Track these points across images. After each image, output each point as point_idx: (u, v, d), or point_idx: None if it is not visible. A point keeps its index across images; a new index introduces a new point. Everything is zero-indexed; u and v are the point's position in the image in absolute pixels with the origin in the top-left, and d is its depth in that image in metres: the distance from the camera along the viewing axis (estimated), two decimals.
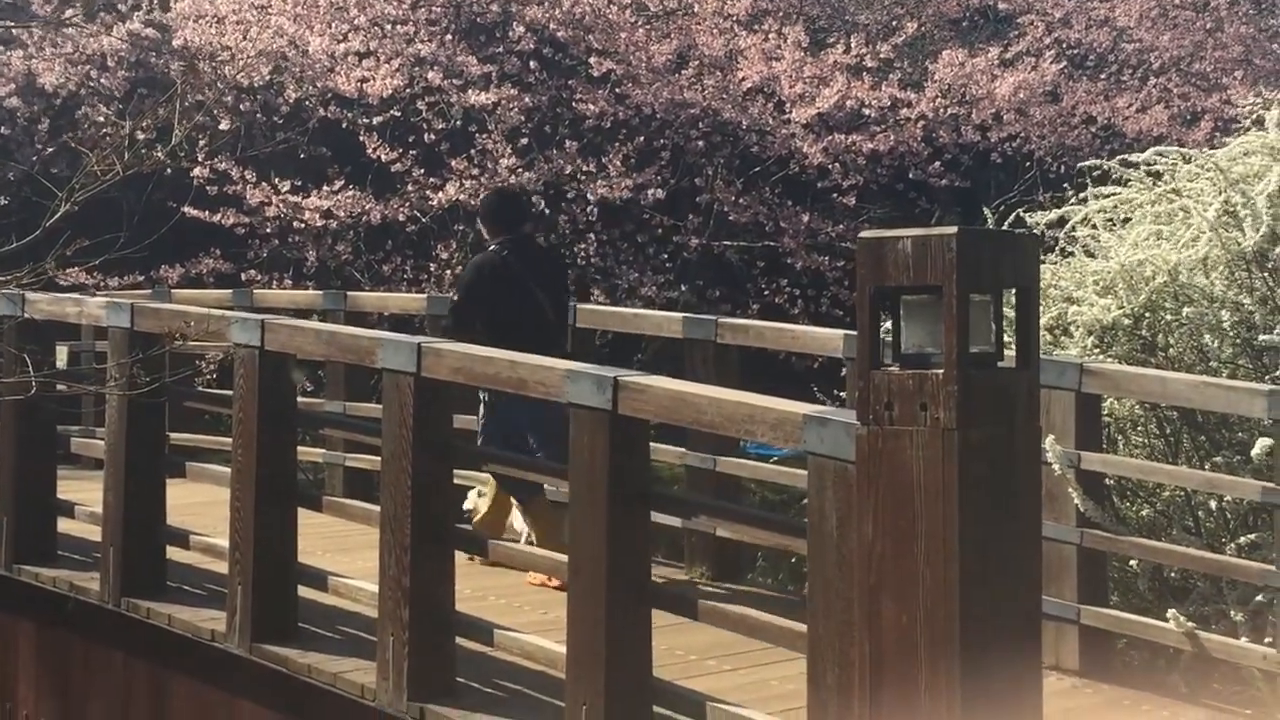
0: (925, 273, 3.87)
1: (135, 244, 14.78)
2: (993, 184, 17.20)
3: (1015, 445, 3.95)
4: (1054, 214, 7.39)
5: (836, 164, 15.62)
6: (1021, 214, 7.59)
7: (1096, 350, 6.56)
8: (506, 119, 14.35)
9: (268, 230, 14.58)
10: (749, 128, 15.40)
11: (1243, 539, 6.16)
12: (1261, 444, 5.68)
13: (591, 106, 14.79)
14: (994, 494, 3.89)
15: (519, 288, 7.34)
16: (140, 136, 13.77)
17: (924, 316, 3.92)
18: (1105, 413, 6.67)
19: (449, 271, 14.68)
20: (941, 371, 3.84)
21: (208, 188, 13.97)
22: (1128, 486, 6.78)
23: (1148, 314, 6.52)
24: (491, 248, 7.57)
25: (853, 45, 15.90)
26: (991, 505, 3.88)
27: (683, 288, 15.72)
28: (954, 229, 3.83)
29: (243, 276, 14.76)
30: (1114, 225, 7.03)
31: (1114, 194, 7.10)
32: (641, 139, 15.19)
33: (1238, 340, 6.44)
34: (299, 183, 14.01)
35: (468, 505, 7.77)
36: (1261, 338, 6.33)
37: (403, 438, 5.31)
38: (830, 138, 15.46)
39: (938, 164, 16.29)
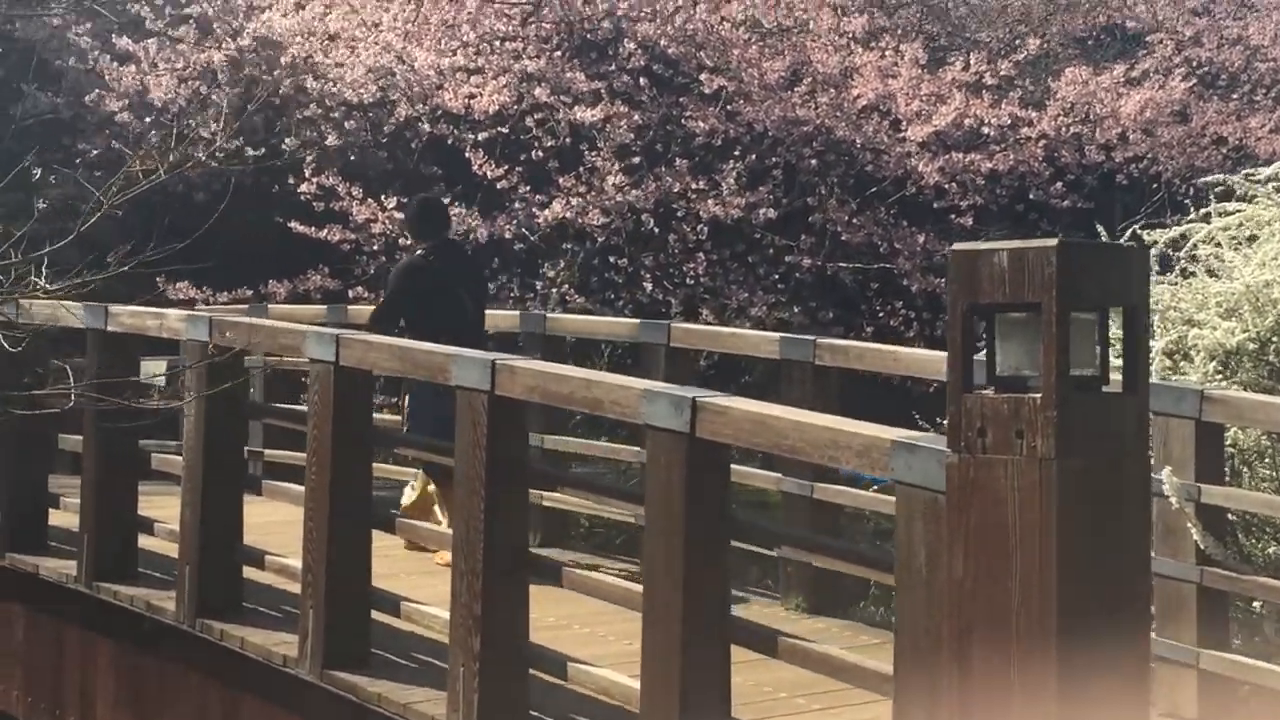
0: (1023, 288, 3.55)
1: (243, 259, 14.98)
2: (1119, 206, 16.68)
3: (1121, 477, 3.61)
4: (1174, 231, 7.00)
5: (954, 184, 15.21)
6: (1139, 231, 7.19)
7: (1219, 376, 6.16)
8: (615, 136, 14.14)
9: (374, 247, 14.49)
10: (863, 146, 15.05)
11: None
12: None
13: (702, 124, 14.54)
14: (1096, 529, 3.55)
15: (443, 290, 7.87)
16: (250, 152, 13.81)
17: (1021, 336, 3.59)
18: (1229, 443, 6.26)
19: (555, 290, 14.50)
20: (1039, 395, 3.52)
21: (314, 204, 13.90)
22: (1253, 522, 6.36)
23: (1275, 338, 6.10)
24: (418, 253, 8.20)
25: (972, 62, 15.49)
26: (1094, 542, 3.54)
27: (795, 309, 15.38)
28: (1054, 241, 3.51)
29: (350, 294, 14.69)
30: (1239, 245, 6.62)
31: (1238, 210, 6.69)
32: (754, 157, 14.91)
33: None
34: (405, 199, 13.87)
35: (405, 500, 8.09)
36: None
37: (476, 458, 5.07)
38: (947, 156, 15.06)
39: (1059, 185, 15.83)
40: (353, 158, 14.74)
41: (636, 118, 14.41)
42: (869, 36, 15.84)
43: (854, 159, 15.33)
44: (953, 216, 15.42)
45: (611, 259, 14.69)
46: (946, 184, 15.17)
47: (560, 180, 14.03)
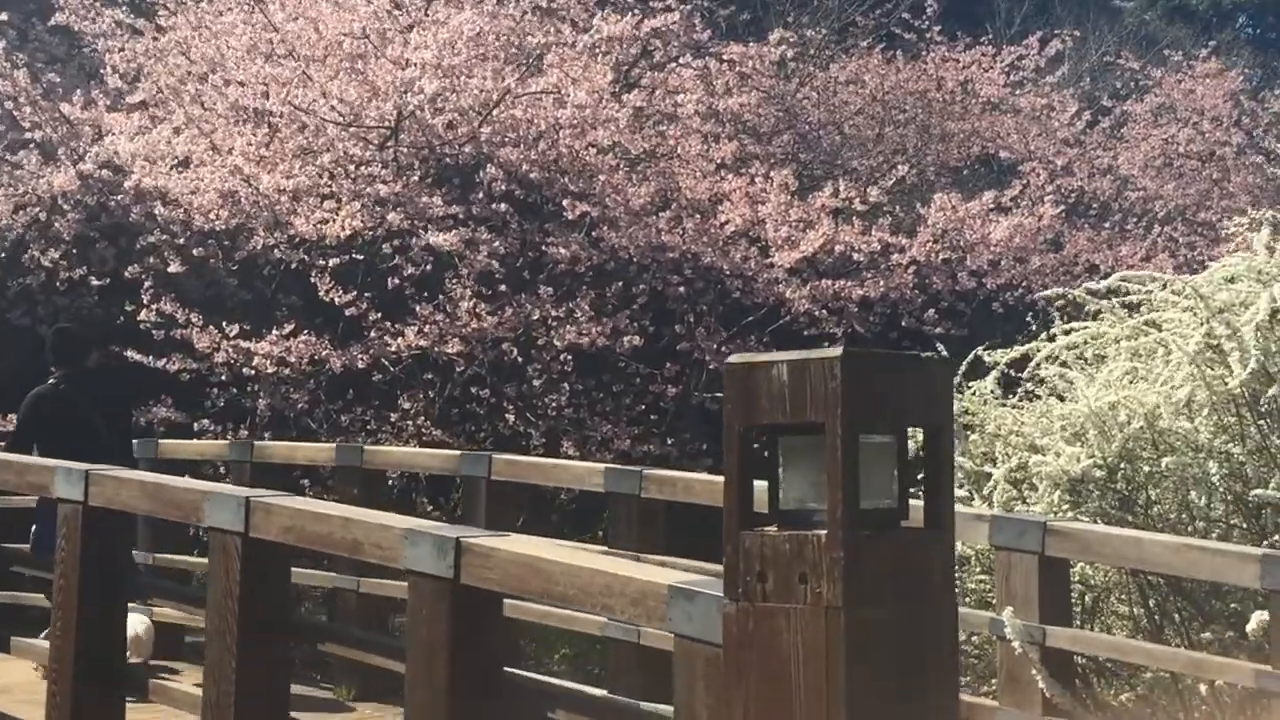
0: (805, 407, 3.04)
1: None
2: (999, 334, 16.43)
3: (924, 627, 3.08)
4: (1015, 351, 6.57)
5: (824, 311, 14.86)
6: (979, 352, 6.77)
7: (1067, 506, 5.69)
8: (476, 263, 13.65)
9: (223, 378, 13.82)
10: (732, 273, 14.68)
11: None
12: (1257, 619, 4.79)
13: (564, 250, 14.09)
14: (895, 689, 3.01)
15: (73, 417, 8.45)
16: (94, 282, 13.09)
17: (807, 463, 3.08)
18: (1077, 579, 5.80)
19: (411, 423, 13.89)
20: (825, 533, 2.99)
21: (154, 332, 13.24)
22: (1106, 666, 5.87)
23: (1124, 464, 5.65)
24: (50, 381, 8.76)
25: (841, 188, 15.24)
26: (892, 701, 3.01)
27: (669, 440, 14.86)
28: (838, 350, 3.01)
29: (195, 426, 13.99)
30: (1086, 364, 6.20)
31: (1084, 328, 6.28)
32: (619, 284, 14.49)
33: (1228, 496, 5.56)
34: (247, 326, 13.27)
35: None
36: (1255, 493, 5.45)
37: (228, 610, 4.44)
38: (817, 284, 14.72)
39: (932, 312, 15.54)
40: (203, 286, 14.12)
41: (498, 244, 13.94)
42: (738, 163, 15.58)
43: (723, 286, 14.95)
44: (826, 345, 15.02)
45: (474, 390, 14.13)
46: (817, 311, 14.81)
47: (417, 308, 13.49)
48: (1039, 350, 6.37)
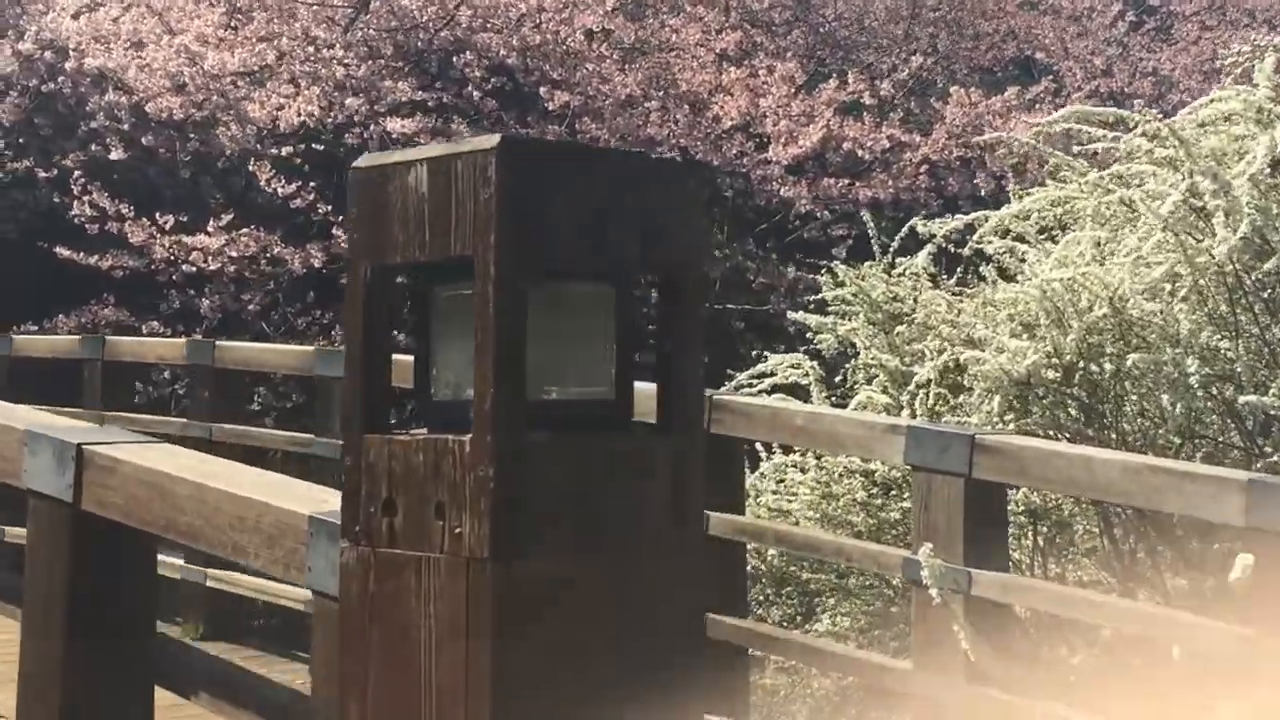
0: (450, 233, 1.89)
1: (25, 291, 13.28)
2: None
3: (637, 589, 1.94)
4: (956, 222, 5.37)
5: (827, 212, 13.64)
6: (916, 224, 5.57)
7: (1011, 417, 4.52)
8: None
9: (173, 278, 12.78)
10: (725, 170, 13.46)
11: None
12: (1241, 564, 3.61)
13: None
14: (580, 689, 1.88)
15: None
16: (40, 174, 12.04)
17: (466, 327, 1.93)
18: (1025, 505, 4.65)
19: None
20: (469, 439, 1.86)
21: (88, 226, 12.18)
22: (1049, 623, 4.71)
23: (1083, 363, 4.46)
24: None
25: (850, 81, 13.97)
26: (571, 708, 1.88)
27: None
28: (495, 137, 1.85)
29: (144, 329, 12.97)
30: (1053, 240, 4.97)
31: (1043, 192, 5.04)
32: None
33: (1218, 404, 4.37)
34: (184, 219, 12.20)
35: None
36: (1244, 399, 4.24)
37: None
38: (820, 182, 13.49)
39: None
40: (143, 178, 13.05)
41: (471, 135, 12.77)
42: (742, 54, 14.32)
43: (716, 187, 13.73)
44: (834, 252, 13.82)
45: None
46: (819, 212, 13.59)
47: None
48: (986, 220, 5.16)
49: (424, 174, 1.89)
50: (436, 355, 1.98)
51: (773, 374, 5.53)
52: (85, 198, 12.06)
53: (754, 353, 13.73)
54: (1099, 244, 4.63)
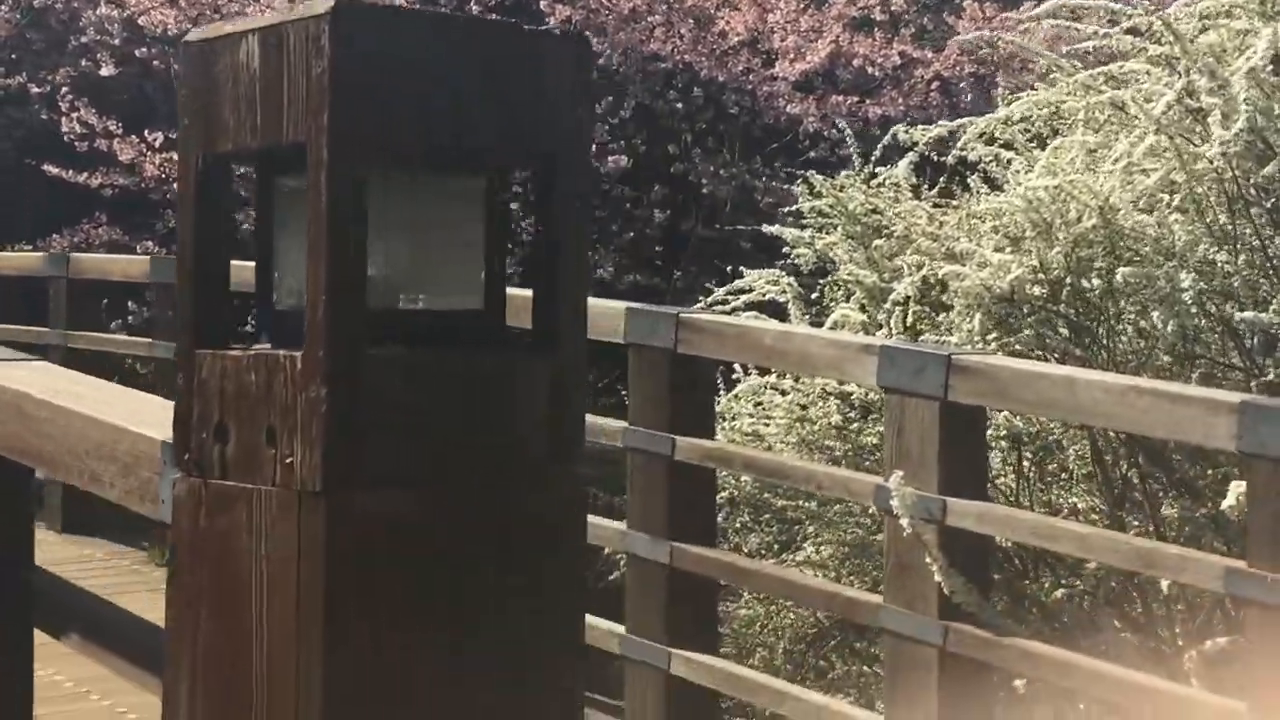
0: (281, 115, 1.63)
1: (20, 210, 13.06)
2: None
3: (497, 527, 1.69)
4: (939, 129, 5.06)
5: (835, 130, 13.28)
6: (898, 132, 5.25)
7: (994, 335, 4.24)
8: None
9: (166, 195, 12.54)
10: (731, 86, 13.11)
11: (1209, 643, 3.76)
12: (1235, 493, 3.34)
13: None
14: (423, 647, 1.64)
15: None
16: (34, 89, 11.78)
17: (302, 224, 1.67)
18: (1008, 430, 4.39)
19: None
20: (301, 354, 1.60)
21: (77, 144, 11.94)
22: (1034, 554, 4.44)
23: (1071, 277, 4.17)
24: None
25: None
26: (417, 663, 1.63)
27: (675, 274, 13.42)
28: (331, 0, 1.58)
29: (138, 249, 12.75)
30: (1042, 148, 4.66)
31: (1031, 96, 4.72)
32: (610, 99, 12.98)
33: (1212, 319, 4.07)
34: (173, 136, 11.90)
35: None
36: (1241, 316, 3.94)
37: None
38: (828, 98, 13.14)
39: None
40: (135, 92, 12.78)
41: None
42: None
43: (720, 104, 13.39)
44: (845, 173, 13.47)
45: None
46: (827, 131, 13.23)
47: None
48: (971, 127, 4.85)
49: (255, 47, 1.63)
50: (278, 257, 1.73)
51: (750, 290, 5.25)
52: (74, 114, 11.80)
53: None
54: (1090, 150, 4.33)
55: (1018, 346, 4.24)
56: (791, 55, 13.08)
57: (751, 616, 5.13)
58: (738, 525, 5.11)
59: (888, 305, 4.49)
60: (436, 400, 1.63)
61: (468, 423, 1.65)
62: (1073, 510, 4.58)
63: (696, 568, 4.64)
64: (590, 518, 4.79)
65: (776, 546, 5.01)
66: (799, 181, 5.44)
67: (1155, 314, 3.89)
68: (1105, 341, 4.17)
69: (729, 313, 5.15)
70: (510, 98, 1.67)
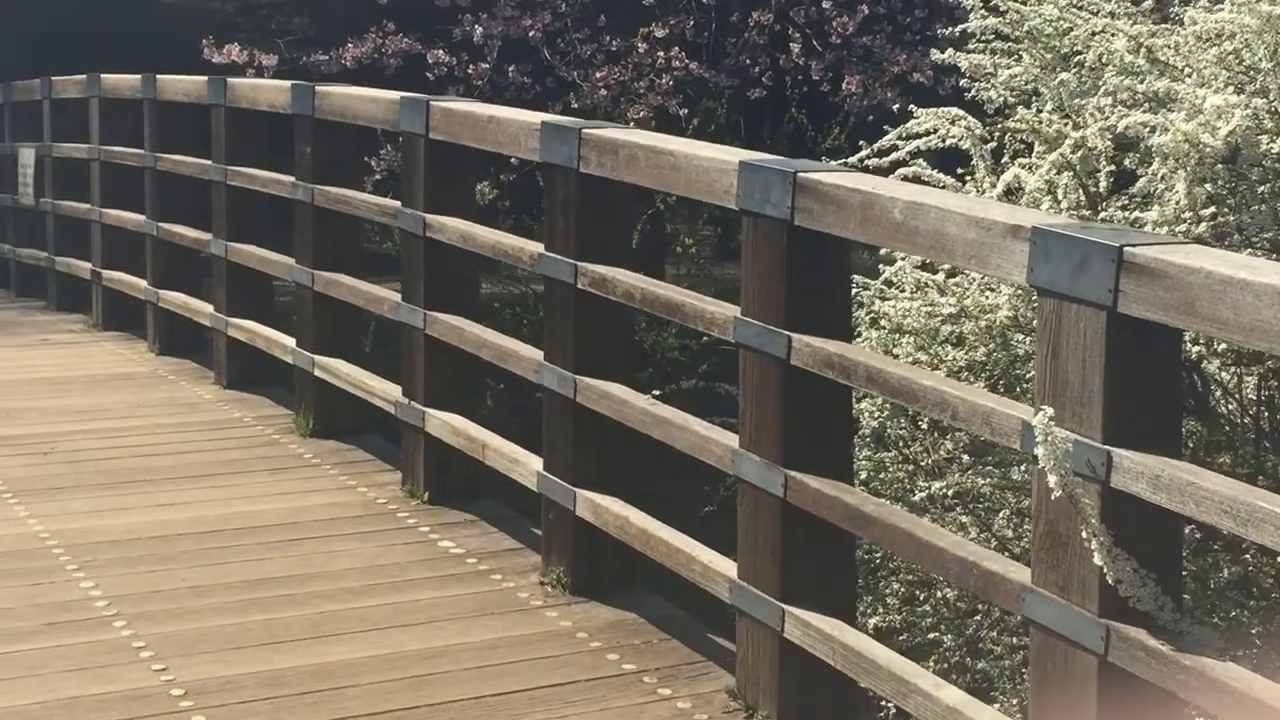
0: None
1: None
2: None
3: None
4: None
5: None
6: None
7: (1209, 215, 2.97)
8: None
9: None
10: None
11: None
12: None
13: None
14: None
15: None
16: None
17: None
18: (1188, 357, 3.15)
19: (661, 55, 11.58)
20: None
21: None
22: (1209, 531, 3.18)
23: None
24: None
25: None
26: None
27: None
28: None
29: (428, 58, 12.12)
30: None
31: None
32: None
33: None
34: None
35: None
36: None
37: None
38: None
39: None
40: None
41: None
42: None
43: None
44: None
45: (753, 15, 11.66)
46: None
47: None
48: None
49: None
50: None
51: (924, 134, 4.00)
52: None
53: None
54: None
55: (1241, 227, 2.97)
56: None
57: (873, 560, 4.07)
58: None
59: (1046, 168, 3.24)
60: None
61: None
62: None
63: (815, 507, 3.59)
64: (698, 425, 3.77)
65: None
66: None
67: None
68: None
69: (896, 165, 3.94)
70: None
